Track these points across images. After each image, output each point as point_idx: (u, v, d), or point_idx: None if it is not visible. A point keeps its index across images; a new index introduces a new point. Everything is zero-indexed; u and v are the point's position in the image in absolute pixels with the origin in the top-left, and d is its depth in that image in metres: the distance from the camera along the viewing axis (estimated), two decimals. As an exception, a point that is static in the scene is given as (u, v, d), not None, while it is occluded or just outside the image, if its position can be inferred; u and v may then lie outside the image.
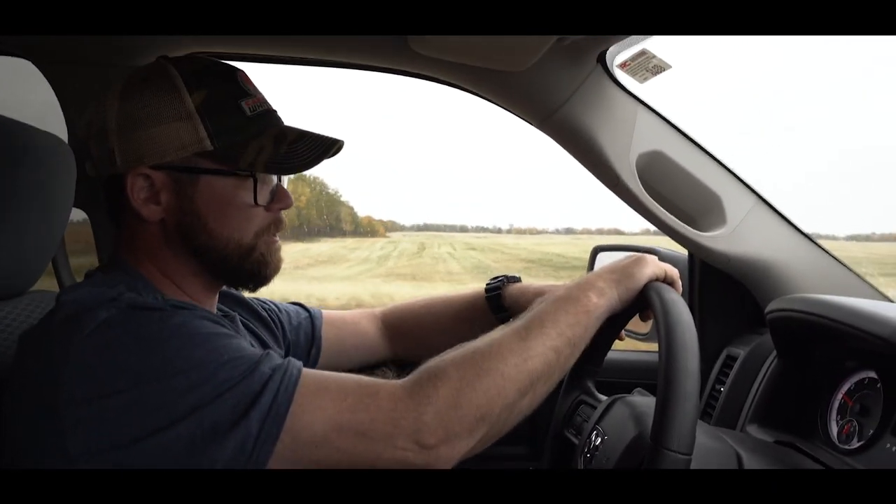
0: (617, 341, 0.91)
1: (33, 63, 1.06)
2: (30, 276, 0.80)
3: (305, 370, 0.62)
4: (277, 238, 0.76)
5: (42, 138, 0.78)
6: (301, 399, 0.59)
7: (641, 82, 1.03)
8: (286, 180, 0.78)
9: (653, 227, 1.11)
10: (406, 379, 0.64)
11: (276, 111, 0.75)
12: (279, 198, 0.75)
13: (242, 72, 0.74)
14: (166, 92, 0.68)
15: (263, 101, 0.74)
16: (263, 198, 0.72)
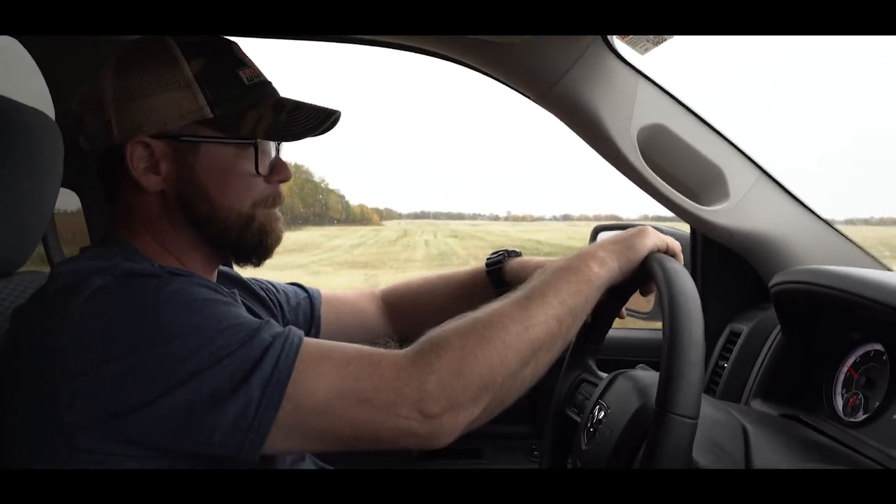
0: (617, 320, 0.90)
1: (19, 41, 1.03)
2: (19, 255, 0.78)
3: (307, 339, 0.61)
4: (277, 209, 0.76)
5: (30, 115, 0.76)
6: (302, 366, 0.58)
7: (642, 53, 1.00)
8: (283, 154, 0.77)
9: (650, 216, 1.10)
10: (408, 348, 0.63)
11: (271, 83, 0.75)
12: (278, 170, 0.75)
13: (237, 44, 0.74)
14: (164, 61, 0.68)
15: (260, 73, 0.74)
16: (264, 167, 0.72)
